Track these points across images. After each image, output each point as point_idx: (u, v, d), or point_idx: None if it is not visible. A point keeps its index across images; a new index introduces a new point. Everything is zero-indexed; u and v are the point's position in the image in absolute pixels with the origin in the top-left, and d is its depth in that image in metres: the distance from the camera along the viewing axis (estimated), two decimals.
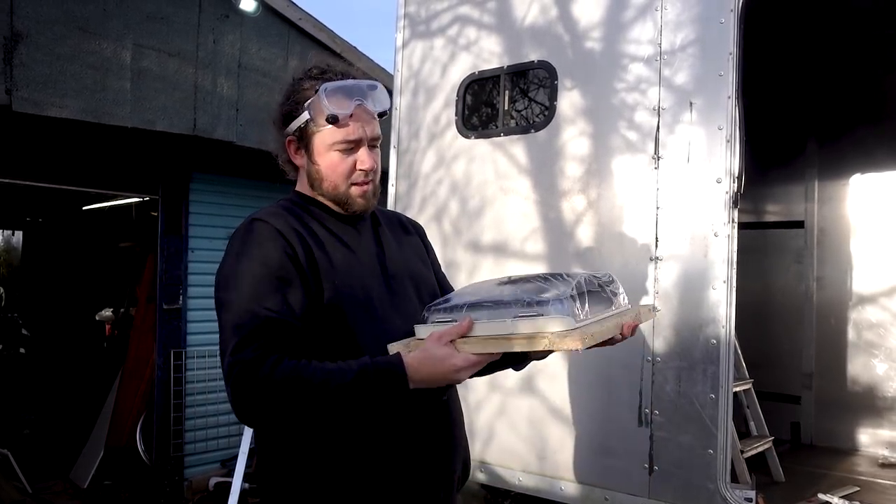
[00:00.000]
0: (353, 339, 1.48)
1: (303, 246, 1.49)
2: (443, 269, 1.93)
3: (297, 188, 1.67)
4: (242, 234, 1.52)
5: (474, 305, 1.38)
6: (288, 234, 1.48)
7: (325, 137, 1.54)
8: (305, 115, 1.54)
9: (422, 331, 1.43)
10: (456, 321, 1.37)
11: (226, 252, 1.52)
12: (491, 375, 3.11)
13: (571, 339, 1.25)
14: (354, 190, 1.57)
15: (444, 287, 1.82)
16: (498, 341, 1.33)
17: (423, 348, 1.37)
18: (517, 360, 1.65)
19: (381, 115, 1.59)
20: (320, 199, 1.61)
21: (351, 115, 1.52)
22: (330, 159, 1.55)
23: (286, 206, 1.59)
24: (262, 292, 1.41)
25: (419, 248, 1.81)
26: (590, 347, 1.32)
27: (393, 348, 1.42)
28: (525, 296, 1.34)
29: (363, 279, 1.56)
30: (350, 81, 1.56)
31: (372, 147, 1.58)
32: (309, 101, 1.54)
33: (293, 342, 1.39)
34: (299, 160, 1.61)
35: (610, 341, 1.44)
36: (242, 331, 1.37)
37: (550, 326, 1.28)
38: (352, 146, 1.55)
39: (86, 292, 8.28)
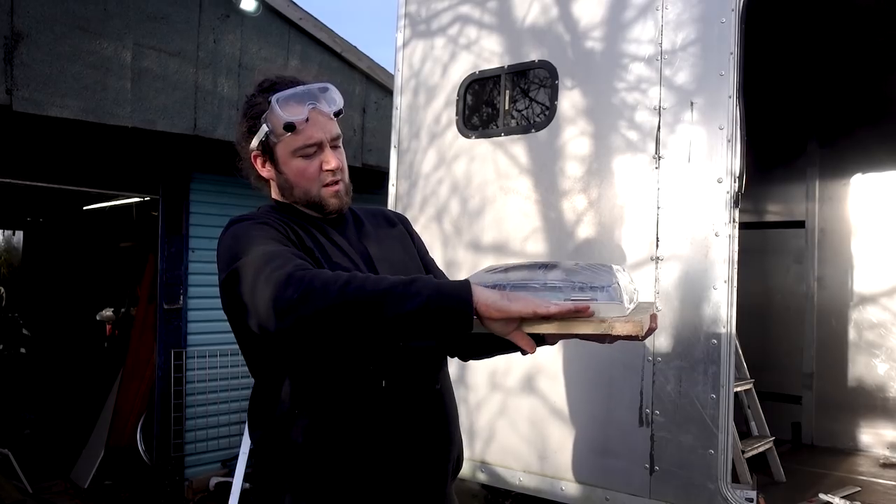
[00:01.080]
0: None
1: (294, 235, 1.50)
2: (443, 269, 1.93)
3: (273, 197, 1.69)
4: (230, 226, 1.52)
5: (519, 286, 1.37)
6: (275, 224, 1.50)
7: (287, 145, 1.56)
8: (264, 128, 1.56)
9: None
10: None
11: (218, 250, 1.50)
12: (491, 374, 3.12)
13: (632, 325, 1.27)
14: (326, 191, 1.59)
15: (434, 275, 1.81)
16: (551, 322, 1.30)
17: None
18: (486, 351, 1.68)
19: (336, 114, 1.61)
20: (296, 206, 1.63)
21: (307, 120, 1.54)
22: (296, 166, 1.58)
23: (266, 212, 1.60)
24: (274, 245, 1.40)
25: (404, 241, 1.80)
26: (623, 339, 1.33)
27: None
28: (578, 281, 1.35)
29: (346, 268, 1.55)
30: (300, 88, 1.57)
31: (334, 147, 1.60)
32: (264, 113, 1.56)
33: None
34: (267, 173, 1.63)
35: (636, 336, 1.44)
36: (272, 263, 1.30)
37: (606, 312, 1.30)
38: (314, 149, 1.56)
39: (86, 292, 8.29)
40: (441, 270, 1.88)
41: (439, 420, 1.62)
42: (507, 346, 1.54)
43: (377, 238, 1.71)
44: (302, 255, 1.41)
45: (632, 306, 1.36)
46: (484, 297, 1.22)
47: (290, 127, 1.53)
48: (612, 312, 1.30)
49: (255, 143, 1.60)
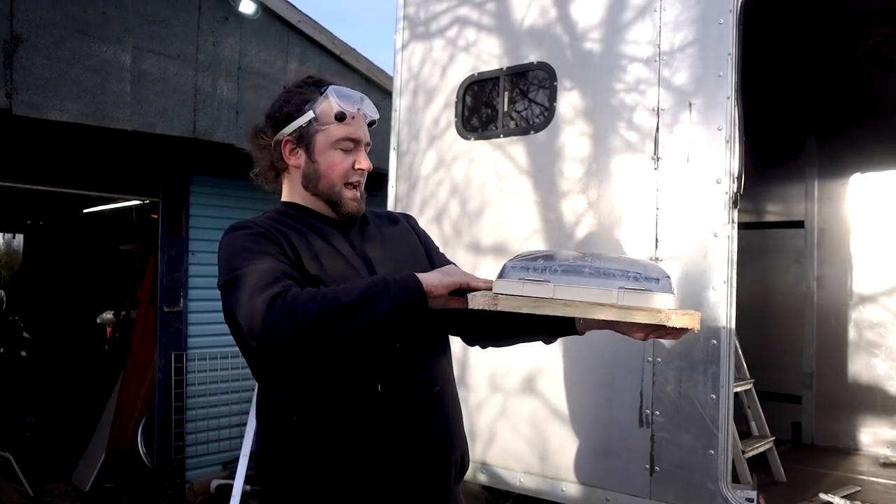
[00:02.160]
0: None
1: (289, 246, 1.53)
2: None
3: (285, 198, 1.71)
4: (230, 234, 1.56)
5: (570, 269, 1.38)
6: (274, 232, 1.54)
7: (330, 134, 1.61)
8: (309, 115, 1.60)
9: (504, 286, 1.40)
10: (549, 282, 1.35)
11: (220, 255, 1.54)
12: (492, 375, 3.12)
13: (689, 318, 1.29)
14: (347, 192, 1.63)
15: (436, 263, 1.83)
16: (606, 309, 1.33)
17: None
18: (556, 333, 1.67)
19: (371, 124, 1.69)
20: (311, 203, 1.66)
21: (353, 117, 1.61)
22: (331, 157, 1.61)
23: (271, 215, 1.64)
24: (269, 261, 1.45)
25: (409, 239, 1.81)
26: (656, 336, 1.40)
27: (475, 299, 1.40)
28: (631, 270, 1.36)
29: (349, 274, 1.57)
30: (352, 90, 1.66)
31: (364, 150, 1.67)
32: (311, 101, 1.61)
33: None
34: (295, 160, 1.65)
35: (679, 332, 1.43)
36: (265, 278, 1.39)
37: (662, 303, 1.32)
38: (353, 145, 1.62)
39: (87, 295, 8.29)
40: (454, 263, 1.88)
41: (439, 423, 1.61)
42: (531, 330, 1.64)
43: (380, 239, 1.72)
44: (290, 272, 1.45)
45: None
46: (429, 280, 1.40)
47: (341, 116, 1.59)
48: (667, 304, 1.31)
49: (290, 128, 1.62)
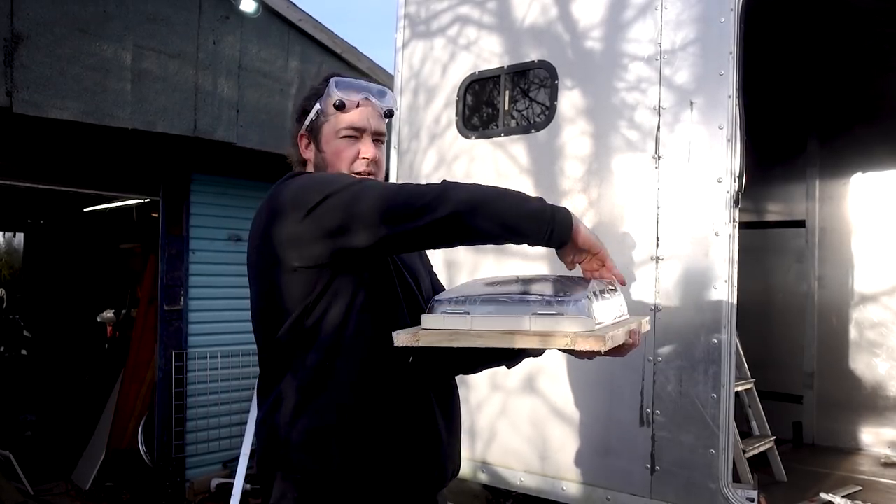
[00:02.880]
0: (381, 309, 1.52)
1: None
2: (444, 269, 1.95)
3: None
4: (292, 180, 1.53)
5: (488, 300, 1.37)
6: None
7: (332, 125, 1.63)
8: (317, 107, 1.66)
9: (429, 321, 1.40)
10: (468, 314, 1.35)
11: (283, 196, 1.49)
12: (492, 375, 3.12)
13: (594, 340, 1.24)
14: None
15: (437, 287, 1.85)
16: (517, 337, 1.31)
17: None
18: (513, 356, 1.70)
19: (387, 114, 1.68)
20: None
21: (357, 105, 1.63)
22: (336, 146, 1.63)
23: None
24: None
25: (419, 253, 1.85)
26: (605, 354, 1.31)
27: (399, 337, 1.37)
28: (543, 294, 1.34)
29: (400, 272, 1.62)
30: (360, 81, 1.68)
31: (376, 141, 1.65)
32: (320, 96, 1.66)
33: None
34: (309, 154, 1.69)
35: (620, 350, 1.43)
36: (391, 186, 1.41)
37: (570, 326, 1.28)
38: (356, 134, 1.63)
39: (87, 294, 8.29)
40: (443, 286, 1.89)
41: (451, 415, 1.64)
42: (496, 359, 1.68)
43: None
44: None
45: (605, 321, 1.35)
46: (583, 228, 1.41)
47: (340, 105, 1.61)
48: (576, 327, 1.28)
49: (305, 123, 1.68)
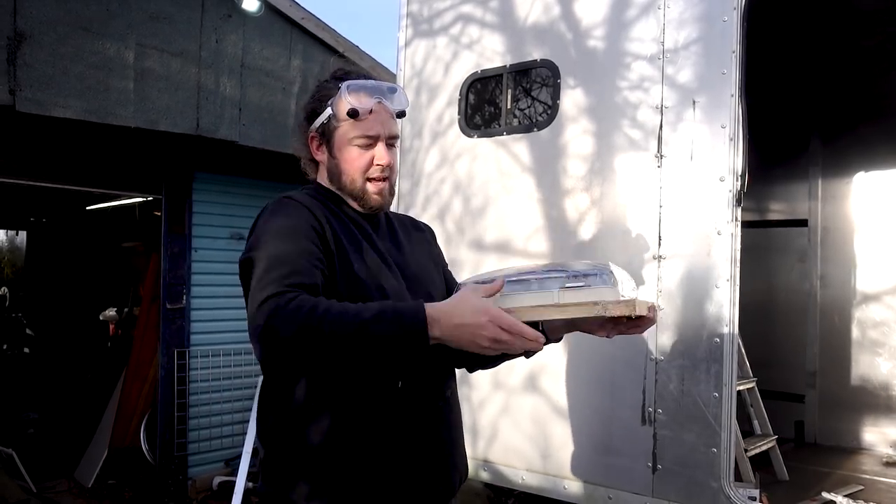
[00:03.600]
0: None
1: (329, 227, 1.54)
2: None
3: (318, 181, 1.72)
4: (273, 206, 1.57)
5: (515, 281, 1.39)
6: (316, 213, 1.54)
7: (346, 132, 1.61)
8: (328, 111, 1.62)
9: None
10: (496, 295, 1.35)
11: (255, 223, 1.56)
12: (494, 373, 3.12)
13: (625, 306, 1.29)
14: (371, 186, 1.63)
15: (452, 287, 1.83)
16: (546, 309, 1.34)
17: (453, 297, 1.32)
18: (491, 360, 1.68)
19: (399, 114, 1.66)
20: (339, 193, 1.67)
21: (371, 112, 1.59)
22: (349, 154, 1.62)
23: (311, 194, 1.65)
24: (290, 246, 1.44)
25: (429, 249, 1.84)
26: (626, 330, 1.38)
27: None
28: (577, 270, 1.38)
29: (379, 272, 1.58)
30: (371, 81, 1.64)
31: (389, 145, 1.64)
32: (332, 98, 1.62)
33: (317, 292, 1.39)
34: (321, 156, 1.68)
35: (639, 323, 1.46)
36: (271, 273, 1.38)
37: (599, 296, 1.32)
38: (370, 142, 1.61)
39: (90, 292, 8.30)
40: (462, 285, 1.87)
41: (447, 426, 1.63)
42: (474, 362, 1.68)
43: (407, 244, 1.74)
44: (309, 270, 1.40)
45: (628, 294, 1.37)
46: (454, 317, 1.27)
47: (353, 113, 1.58)
48: (606, 296, 1.31)
49: (316, 124, 1.65)
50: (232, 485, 4.86)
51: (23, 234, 11.13)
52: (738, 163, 2.55)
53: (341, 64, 1.73)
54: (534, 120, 3.25)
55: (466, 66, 3.39)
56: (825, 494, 3.14)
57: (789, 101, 4.66)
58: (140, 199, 6.57)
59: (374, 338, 1.26)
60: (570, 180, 3.01)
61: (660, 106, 2.75)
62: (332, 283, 1.47)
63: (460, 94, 3.39)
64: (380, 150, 1.61)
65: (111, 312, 7.30)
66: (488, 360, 1.72)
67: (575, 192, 2.98)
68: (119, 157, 5.14)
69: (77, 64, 4.19)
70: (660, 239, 2.71)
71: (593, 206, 2.92)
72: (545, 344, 1.58)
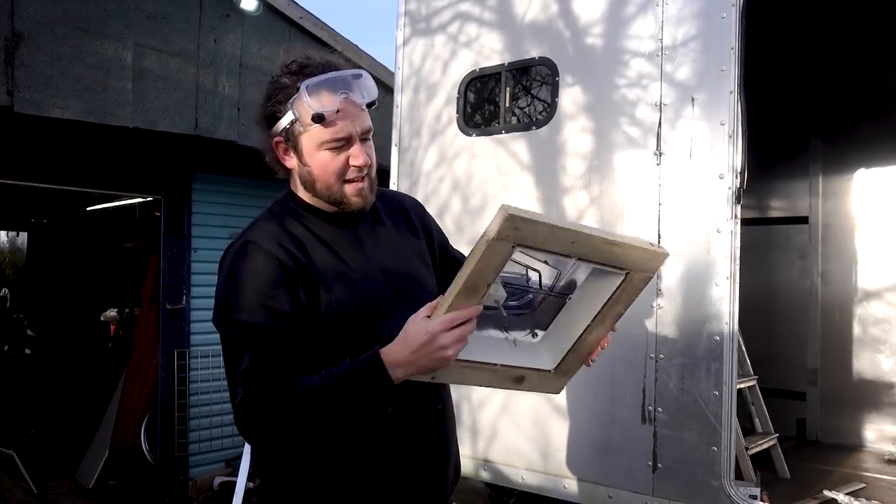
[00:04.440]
0: (355, 350, 1.42)
1: (296, 264, 1.44)
2: None
3: (291, 188, 1.59)
4: (232, 258, 1.48)
5: (487, 310, 1.36)
6: (280, 254, 1.44)
7: (314, 137, 1.46)
8: (290, 115, 1.46)
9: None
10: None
11: (219, 277, 1.50)
12: None
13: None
14: (349, 188, 1.50)
15: (454, 258, 1.78)
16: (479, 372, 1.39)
17: (401, 333, 1.31)
18: None
19: (369, 105, 1.51)
20: (315, 202, 1.55)
21: (338, 112, 1.43)
22: (320, 159, 1.47)
23: (278, 214, 1.54)
24: (258, 318, 1.39)
25: (419, 246, 1.72)
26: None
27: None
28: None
29: (361, 290, 1.51)
30: (333, 74, 1.46)
31: (364, 140, 1.50)
32: (292, 98, 1.45)
33: (294, 355, 1.39)
34: (290, 162, 1.53)
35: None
36: (241, 360, 1.38)
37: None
38: (342, 143, 1.46)
39: (90, 293, 8.30)
40: (462, 254, 1.79)
41: (438, 439, 1.62)
42: None
43: (393, 239, 1.64)
44: (278, 328, 1.39)
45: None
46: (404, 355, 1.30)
47: (319, 118, 1.42)
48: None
49: (279, 127, 1.48)
50: (233, 485, 4.86)
51: (24, 236, 11.14)
52: (738, 160, 2.54)
53: (295, 54, 1.53)
54: (532, 118, 3.24)
55: (465, 65, 3.38)
56: (827, 492, 3.13)
57: (789, 98, 4.65)
58: (140, 200, 6.56)
59: (344, 403, 1.32)
60: (569, 178, 3.00)
61: (658, 103, 2.74)
62: (315, 315, 1.44)
63: (459, 93, 3.38)
64: (354, 150, 1.47)
65: (112, 313, 7.30)
66: None
67: (574, 191, 2.97)
68: (118, 158, 5.14)
69: (75, 64, 4.18)
70: (659, 237, 2.70)
71: (592, 204, 2.91)
72: None
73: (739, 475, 2.92)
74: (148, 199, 5.87)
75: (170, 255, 5.34)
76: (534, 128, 3.14)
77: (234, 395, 1.38)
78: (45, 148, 4.82)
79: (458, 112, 3.37)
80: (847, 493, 3.14)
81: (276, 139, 1.51)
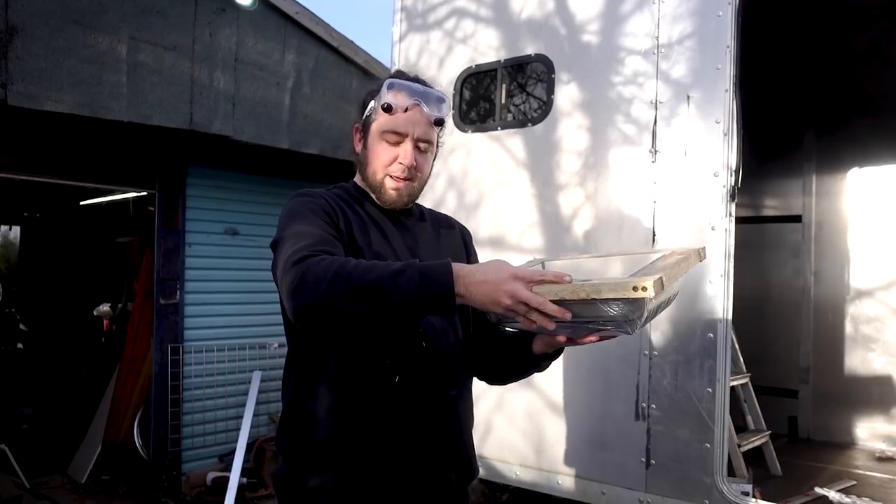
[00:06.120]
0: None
1: (344, 220, 1.57)
2: None
3: (355, 177, 1.75)
4: (297, 198, 1.61)
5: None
6: (333, 205, 1.59)
7: (378, 125, 1.62)
8: (371, 104, 1.65)
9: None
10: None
11: (279, 217, 1.59)
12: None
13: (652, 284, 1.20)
14: (389, 182, 1.63)
15: None
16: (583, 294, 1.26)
17: (477, 265, 1.33)
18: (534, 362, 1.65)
19: (437, 122, 1.65)
20: (365, 187, 1.70)
21: (406, 110, 1.60)
22: (377, 146, 1.64)
23: (336, 192, 1.69)
24: (310, 227, 1.49)
25: (458, 248, 1.82)
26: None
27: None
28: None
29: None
30: (416, 84, 1.64)
31: (419, 147, 1.63)
32: (377, 93, 1.64)
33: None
34: (359, 147, 1.70)
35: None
36: (298, 244, 1.41)
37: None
38: (398, 139, 1.61)
39: (83, 288, 8.27)
40: None
41: (446, 426, 1.63)
42: (528, 364, 1.65)
43: (432, 238, 1.74)
44: (329, 240, 1.46)
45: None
46: (478, 275, 1.28)
47: (387, 107, 1.59)
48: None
49: (361, 117, 1.68)
50: (226, 480, 4.86)
51: (16, 230, 11.08)
52: (733, 158, 2.56)
53: (402, 69, 1.77)
54: (528, 115, 3.24)
55: (461, 61, 3.38)
56: (818, 489, 3.16)
57: (783, 96, 4.67)
58: (134, 194, 6.53)
59: (402, 287, 1.26)
60: (565, 175, 3.00)
61: (654, 101, 2.75)
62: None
63: (455, 89, 3.38)
64: (405, 148, 1.61)
65: (105, 308, 7.27)
66: (531, 361, 1.65)
67: (569, 187, 2.98)
68: (112, 152, 5.11)
69: (69, 57, 4.16)
70: (654, 234, 2.71)
71: (587, 201, 2.92)
72: (544, 361, 1.64)
73: (732, 472, 2.94)
74: (142, 193, 5.84)
75: (164, 249, 5.32)
76: (529, 124, 3.14)
77: (290, 262, 1.35)
78: (39, 141, 4.79)
79: (453, 108, 3.37)
80: (838, 490, 3.16)
81: (356, 125, 1.70)
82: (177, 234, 5.38)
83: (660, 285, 1.22)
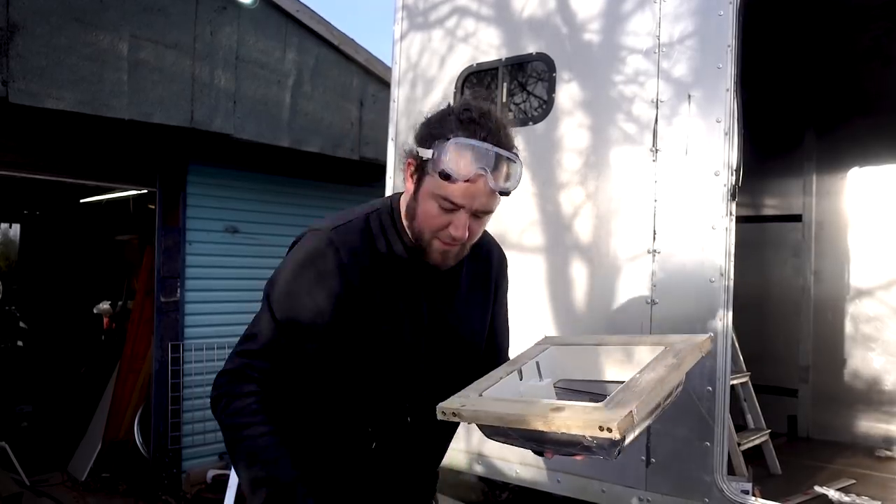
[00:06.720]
0: (354, 390, 1.54)
1: (362, 286, 1.49)
2: None
3: (400, 200, 1.61)
4: (309, 251, 1.49)
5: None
6: (347, 273, 1.47)
7: (434, 184, 1.44)
8: (430, 153, 1.44)
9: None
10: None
11: (287, 258, 1.52)
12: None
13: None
14: (436, 244, 1.50)
15: (493, 338, 1.77)
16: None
17: None
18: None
19: (503, 193, 1.47)
20: (408, 230, 1.56)
21: (466, 181, 1.41)
22: (429, 206, 1.47)
23: (373, 225, 1.56)
24: (290, 323, 1.46)
25: (486, 298, 1.73)
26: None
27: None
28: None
29: (399, 342, 1.54)
30: (485, 146, 1.42)
31: (475, 216, 1.48)
32: (442, 142, 1.43)
33: (301, 363, 1.48)
34: (409, 185, 1.53)
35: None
36: (247, 343, 1.49)
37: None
38: (453, 207, 1.44)
39: (84, 285, 8.27)
40: (502, 339, 1.84)
41: (419, 467, 1.67)
42: None
43: (462, 306, 1.65)
44: (279, 352, 1.47)
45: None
46: None
47: (445, 176, 1.41)
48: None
49: (418, 153, 1.48)
50: (226, 478, 4.86)
51: (16, 227, 11.08)
52: (733, 157, 2.56)
53: (476, 104, 1.49)
54: (529, 114, 3.24)
55: (462, 60, 3.38)
56: (817, 488, 3.16)
57: (784, 96, 4.66)
58: (134, 192, 6.53)
59: (252, 499, 1.36)
60: (566, 174, 3.00)
61: (655, 100, 2.75)
62: (337, 347, 1.49)
63: (456, 88, 3.38)
64: (460, 218, 1.44)
65: (105, 306, 7.27)
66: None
67: (570, 186, 2.98)
68: (113, 150, 5.12)
69: (70, 55, 4.16)
70: (654, 233, 2.71)
71: (588, 200, 2.92)
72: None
73: (731, 470, 2.94)
74: (143, 191, 5.84)
75: (164, 247, 5.33)
76: (530, 123, 3.14)
77: (228, 361, 1.48)
78: (40, 139, 4.80)
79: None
80: (837, 489, 3.17)
81: (410, 160, 1.51)
82: (177, 231, 5.38)
83: (630, 421, 1.17)
